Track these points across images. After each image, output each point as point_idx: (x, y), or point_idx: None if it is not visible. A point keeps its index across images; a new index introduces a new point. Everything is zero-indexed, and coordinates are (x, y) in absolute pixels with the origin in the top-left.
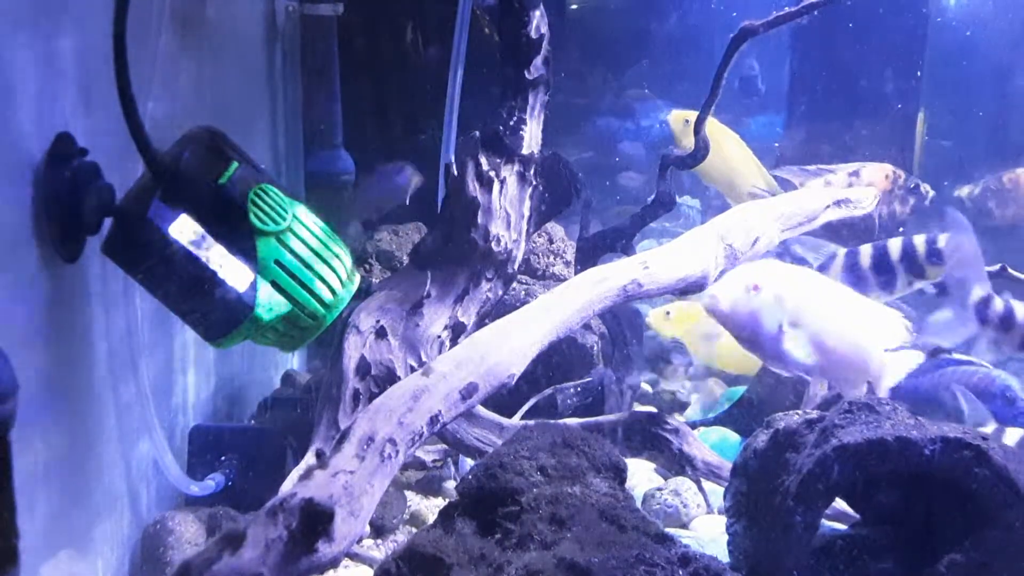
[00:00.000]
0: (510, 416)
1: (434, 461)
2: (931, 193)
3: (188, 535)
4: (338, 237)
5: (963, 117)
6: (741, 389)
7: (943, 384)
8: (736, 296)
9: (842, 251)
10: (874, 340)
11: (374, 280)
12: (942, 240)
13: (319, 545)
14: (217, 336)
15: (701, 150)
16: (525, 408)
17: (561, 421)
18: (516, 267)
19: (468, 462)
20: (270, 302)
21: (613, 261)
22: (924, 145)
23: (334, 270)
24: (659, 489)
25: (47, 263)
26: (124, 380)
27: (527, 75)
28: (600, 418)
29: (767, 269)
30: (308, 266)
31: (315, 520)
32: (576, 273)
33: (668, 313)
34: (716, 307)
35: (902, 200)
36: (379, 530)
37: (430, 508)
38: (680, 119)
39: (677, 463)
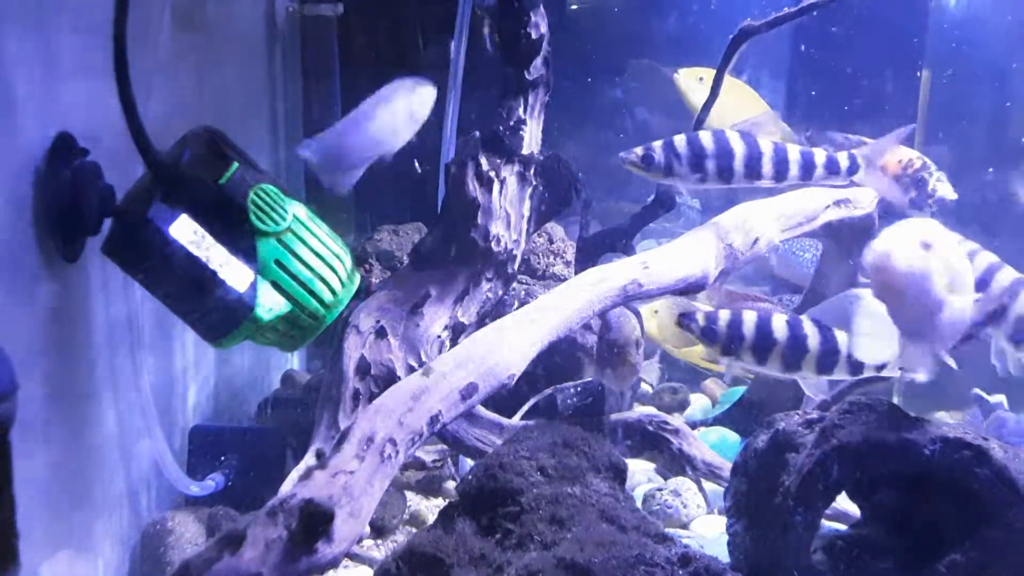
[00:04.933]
0: (510, 416)
1: (434, 461)
2: (939, 191)
3: (188, 535)
4: (338, 237)
5: (962, 116)
6: (741, 389)
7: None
8: (912, 253)
9: None
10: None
11: (374, 280)
12: None
13: (319, 545)
14: (217, 336)
15: None
16: (525, 408)
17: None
18: (516, 267)
19: (468, 462)
20: (270, 302)
21: (613, 261)
22: (928, 104)
23: (334, 270)
24: (659, 489)
25: (48, 263)
26: (124, 380)
27: (527, 75)
28: (601, 418)
29: (931, 226)
30: (308, 266)
31: (315, 520)
32: (576, 273)
33: (656, 312)
34: (887, 264)
35: (905, 189)
36: (379, 530)
37: (430, 508)
38: (692, 76)
39: (677, 463)
